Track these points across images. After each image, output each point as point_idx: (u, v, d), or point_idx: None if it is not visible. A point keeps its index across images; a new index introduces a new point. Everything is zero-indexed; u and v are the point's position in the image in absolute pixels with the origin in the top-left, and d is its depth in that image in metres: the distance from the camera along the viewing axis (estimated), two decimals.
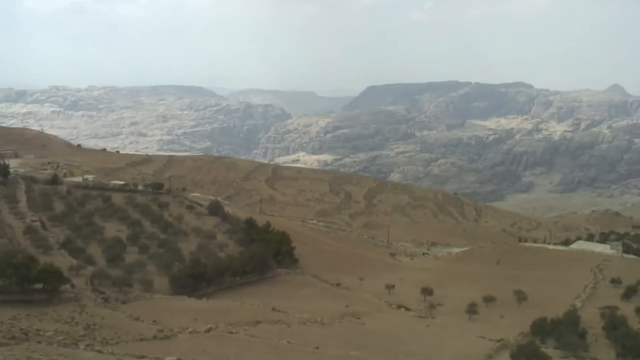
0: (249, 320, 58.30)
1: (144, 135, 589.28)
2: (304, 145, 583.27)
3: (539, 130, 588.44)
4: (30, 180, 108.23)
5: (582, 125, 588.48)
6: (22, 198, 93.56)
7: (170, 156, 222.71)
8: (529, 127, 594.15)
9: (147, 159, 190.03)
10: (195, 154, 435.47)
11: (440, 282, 75.32)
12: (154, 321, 56.19)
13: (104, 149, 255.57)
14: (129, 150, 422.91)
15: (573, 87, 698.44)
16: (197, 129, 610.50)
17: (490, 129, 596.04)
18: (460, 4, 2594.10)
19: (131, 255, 74.00)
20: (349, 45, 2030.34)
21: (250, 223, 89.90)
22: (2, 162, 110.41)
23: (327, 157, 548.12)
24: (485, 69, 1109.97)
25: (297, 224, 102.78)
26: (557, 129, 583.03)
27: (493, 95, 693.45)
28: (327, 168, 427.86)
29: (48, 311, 53.04)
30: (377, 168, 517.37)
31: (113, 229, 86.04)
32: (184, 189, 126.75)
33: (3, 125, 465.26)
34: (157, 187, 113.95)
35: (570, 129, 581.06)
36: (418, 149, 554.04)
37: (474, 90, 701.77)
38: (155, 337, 51.74)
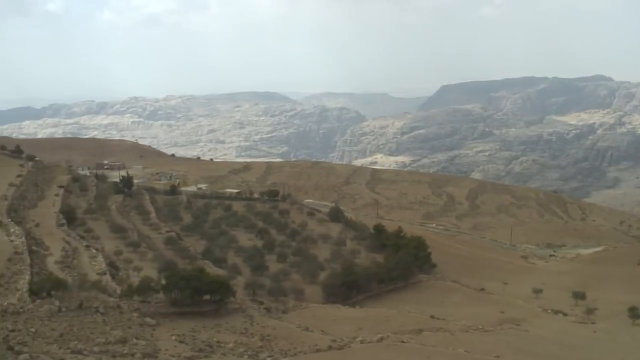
0: (411, 329, 57.56)
1: (222, 142, 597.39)
2: (381, 147, 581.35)
3: (621, 124, 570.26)
4: (152, 191, 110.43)
5: None
6: (151, 209, 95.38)
7: (268, 163, 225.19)
8: (611, 121, 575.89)
9: (246, 166, 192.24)
10: (275, 160, 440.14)
11: (584, 285, 73.07)
12: (322, 331, 56.01)
13: (198, 158, 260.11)
14: (208, 157, 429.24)
15: None
16: (273, 134, 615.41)
17: (571, 125, 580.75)
18: None
19: (271, 264, 74.32)
20: (421, 45, 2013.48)
21: (379, 229, 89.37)
22: (127, 174, 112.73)
23: (404, 158, 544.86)
24: (561, 63, 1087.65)
25: (418, 228, 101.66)
26: None
27: (571, 90, 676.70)
28: (405, 170, 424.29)
29: (221, 322, 53.39)
30: (456, 168, 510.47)
31: (244, 238, 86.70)
32: (289, 195, 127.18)
33: (87, 136, 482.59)
34: (273, 194, 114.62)
35: None
36: (497, 147, 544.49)
37: (552, 85, 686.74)
38: (330, 347, 51.44)
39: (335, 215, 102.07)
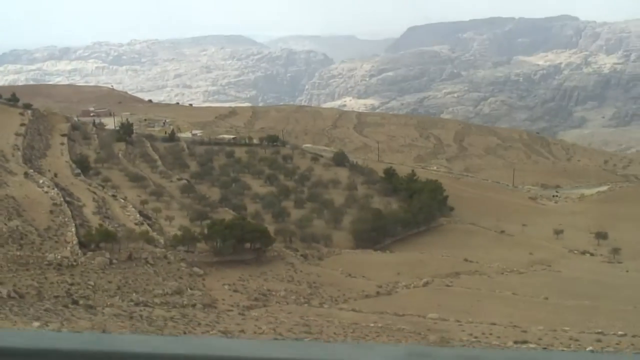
0: (447, 272, 58.27)
1: (189, 87, 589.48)
2: (349, 90, 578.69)
3: (587, 64, 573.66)
4: (151, 138, 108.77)
5: (633, 57, 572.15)
6: (156, 157, 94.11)
7: (253, 107, 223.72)
8: (578, 61, 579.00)
9: (232, 112, 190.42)
10: (242, 104, 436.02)
11: (601, 226, 74.29)
12: (364, 277, 56.38)
13: (177, 103, 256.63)
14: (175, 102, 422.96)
15: (622, 17, 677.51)
16: (241, 78, 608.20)
17: (538, 65, 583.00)
18: None
19: (290, 210, 74.17)
20: None
21: (390, 173, 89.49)
22: (127, 121, 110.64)
23: (373, 101, 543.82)
24: (528, 2, 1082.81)
25: (422, 171, 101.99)
26: (607, 62, 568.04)
27: (538, 30, 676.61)
28: (376, 112, 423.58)
29: (265, 270, 53.45)
30: (425, 110, 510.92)
31: (255, 184, 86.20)
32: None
33: (50, 82, 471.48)
34: (273, 139, 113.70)
35: (620, 61, 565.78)
36: (466, 88, 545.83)
37: (518, 25, 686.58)
38: (378, 293, 51.91)
39: (341, 159, 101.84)
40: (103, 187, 67.29)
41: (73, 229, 47.64)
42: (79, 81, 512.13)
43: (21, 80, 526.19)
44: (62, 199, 52.77)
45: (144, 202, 64.53)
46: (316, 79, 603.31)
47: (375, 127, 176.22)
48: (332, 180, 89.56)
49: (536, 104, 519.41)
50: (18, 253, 42.50)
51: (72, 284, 41.31)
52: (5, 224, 45.19)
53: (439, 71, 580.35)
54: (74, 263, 44.18)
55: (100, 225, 48.37)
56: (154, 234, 51.69)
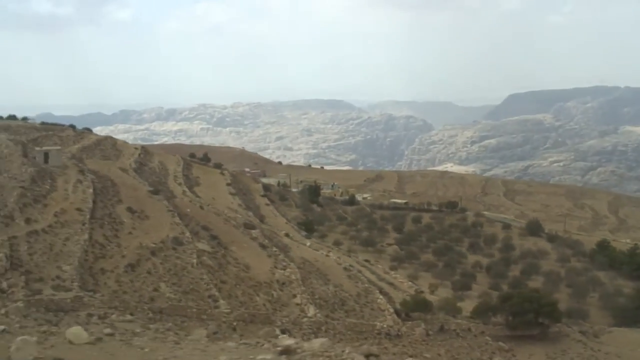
0: None
1: (290, 149, 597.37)
2: (450, 156, 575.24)
3: None
4: (333, 201, 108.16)
5: None
6: (358, 221, 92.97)
7: (397, 172, 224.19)
8: None
9: (379, 175, 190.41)
10: (343, 167, 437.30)
11: None
12: None
13: (309, 165, 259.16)
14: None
15: None
16: (341, 142, 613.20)
17: None
18: (599, 5, 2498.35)
19: (534, 283, 70.96)
20: (486, 53, 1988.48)
21: (603, 245, 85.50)
22: (315, 183, 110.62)
23: (475, 167, 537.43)
24: (633, 71, 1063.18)
25: (618, 243, 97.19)
26: None
27: None
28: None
29: (564, 348, 50.25)
30: (530, 178, 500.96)
31: (474, 257, 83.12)
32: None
33: (157, 142, 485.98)
34: (452, 205, 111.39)
35: None
36: (572, 157, 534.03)
37: (624, 94, 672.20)
38: None
39: (535, 229, 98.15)
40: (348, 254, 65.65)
41: (380, 296, 46.01)
42: (185, 141, 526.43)
43: (130, 139, 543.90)
44: (349, 264, 51.42)
45: (393, 269, 62.72)
46: (416, 145, 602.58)
47: (525, 195, 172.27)
48: (539, 251, 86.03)
49: None
50: (352, 320, 41.01)
51: (411, 356, 39.49)
52: (324, 289, 43.89)
53: (542, 139, 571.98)
54: (399, 333, 42.37)
55: (419, 293, 46.55)
56: (458, 305, 49.47)
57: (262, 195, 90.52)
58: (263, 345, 13.16)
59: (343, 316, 41.62)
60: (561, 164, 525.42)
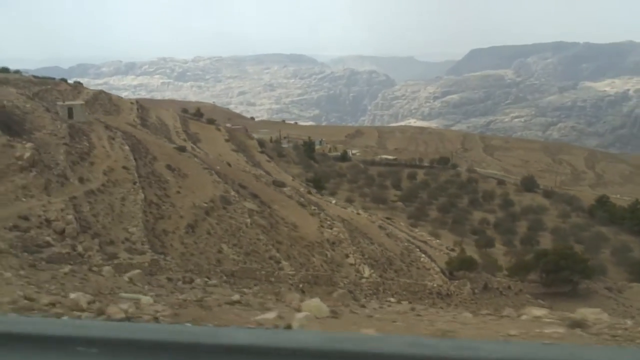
0: None
1: (253, 104, 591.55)
2: (413, 111, 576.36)
3: None
4: (326, 157, 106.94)
5: None
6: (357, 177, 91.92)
7: (377, 128, 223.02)
8: None
9: (358, 131, 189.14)
10: (307, 123, 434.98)
11: None
12: None
13: (283, 121, 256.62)
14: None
15: None
16: (304, 97, 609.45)
17: (604, 91, 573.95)
18: None
19: (544, 239, 71.08)
20: (449, 7, 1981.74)
21: (603, 201, 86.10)
22: (309, 139, 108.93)
23: (438, 123, 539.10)
24: (592, 27, 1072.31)
25: (614, 198, 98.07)
26: None
27: (603, 56, 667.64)
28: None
29: (596, 303, 50.29)
30: (492, 134, 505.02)
31: (477, 213, 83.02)
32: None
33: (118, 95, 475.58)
34: (444, 162, 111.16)
35: None
36: (532, 113, 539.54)
37: (583, 50, 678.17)
38: None
39: (530, 185, 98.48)
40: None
41: (422, 255, 45.31)
42: (145, 96, 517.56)
43: None
44: (380, 222, 50.52)
45: (413, 226, 62.06)
46: (379, 100, 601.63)
47: (503, 150, 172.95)
48: (539, 207, 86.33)
49: (606, 130, 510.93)
50: (406, 280, 40.22)
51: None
52: (372, 249, 42.95)
53: (503, 95, 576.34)
54: (448, 292, 41.78)
55: (462, 251, 45.93)
56: (500, 263, 49.08)
57: (260, 152, 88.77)
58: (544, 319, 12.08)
59: (394, 276, 40.81)
60: (522, 119, 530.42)
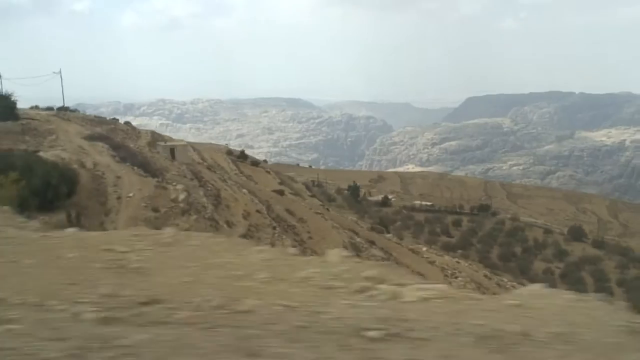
0: None
1: (251, 147, 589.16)
2: (412, 157, 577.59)
3: None
4: (365, 202, 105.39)
5: None
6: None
7: (398, 173, 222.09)
8: None
9: (380, 176, 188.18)
10: (305, 166, 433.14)
11: None
12: None
13: (297, 164, 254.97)
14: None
15: None
16: (302, 140, 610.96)
17: (601, 141, 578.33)
18: (554, 13, 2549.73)
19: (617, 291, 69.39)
20: (445, 55, 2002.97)
21: None
22: (354, 183, 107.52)
23: (437, 169, 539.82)
24: (587, 78, 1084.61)
25: None
26: None
27: (598, 106, 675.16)
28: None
29: None
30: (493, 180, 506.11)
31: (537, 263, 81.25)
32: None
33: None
34: (484, 208, 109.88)
35: None
36: (531, 161, 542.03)
37: (579, 100, 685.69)
38: None
39: (578, 234, 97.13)
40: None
41: None
42: None
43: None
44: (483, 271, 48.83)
45: (494, 275, 60.32)
46: (377, 145, 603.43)
47: (526, 198, 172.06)
48: (596, 257, 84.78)
49: (604, 179, 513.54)
50: None
51: None
52: None
53: (501, 143, 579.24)
54: None
55: None
56: None
57: (311, 196, 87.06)
58: None
59: None
60: (521, 167, 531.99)
